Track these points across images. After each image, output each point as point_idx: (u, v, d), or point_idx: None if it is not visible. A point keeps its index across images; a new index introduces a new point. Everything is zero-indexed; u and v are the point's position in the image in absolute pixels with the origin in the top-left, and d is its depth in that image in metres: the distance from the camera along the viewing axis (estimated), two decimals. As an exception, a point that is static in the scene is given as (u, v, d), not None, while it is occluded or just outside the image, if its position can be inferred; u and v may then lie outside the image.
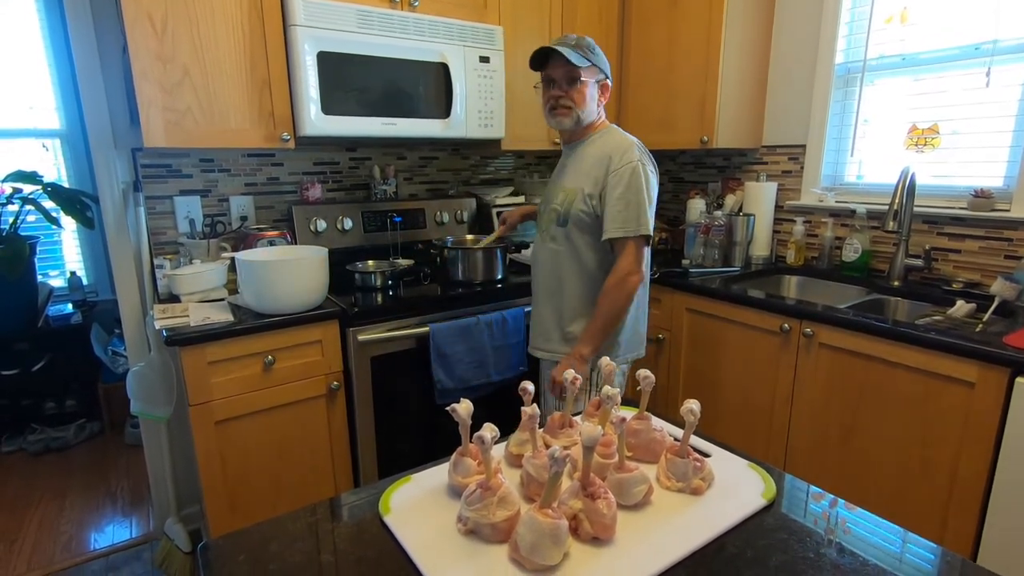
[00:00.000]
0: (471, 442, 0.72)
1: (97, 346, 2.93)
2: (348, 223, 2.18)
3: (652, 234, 1.48)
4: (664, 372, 2.18)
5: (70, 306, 3.05)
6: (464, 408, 0.71)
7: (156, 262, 1.83)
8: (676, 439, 0.84)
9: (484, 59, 2.11)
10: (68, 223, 3.06)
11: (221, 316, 1.61)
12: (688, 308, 2.05)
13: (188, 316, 1.60)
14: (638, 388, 0.83)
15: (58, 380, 2.91)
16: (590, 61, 1.49)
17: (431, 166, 2.52)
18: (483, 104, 2.13)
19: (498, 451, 0.89)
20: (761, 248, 2.34)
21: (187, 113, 1.67)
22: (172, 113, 1.64)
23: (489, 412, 2.09)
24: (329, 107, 1.82)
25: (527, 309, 1.98)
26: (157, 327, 1.52)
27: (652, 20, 2.39)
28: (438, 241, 2.12)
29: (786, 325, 1.72)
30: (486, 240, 2.02)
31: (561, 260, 1.59)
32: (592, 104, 1.54)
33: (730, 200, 2.43)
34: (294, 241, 2.03)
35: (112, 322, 3.19)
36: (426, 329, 1.79)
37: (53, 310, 3.00)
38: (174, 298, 1.79)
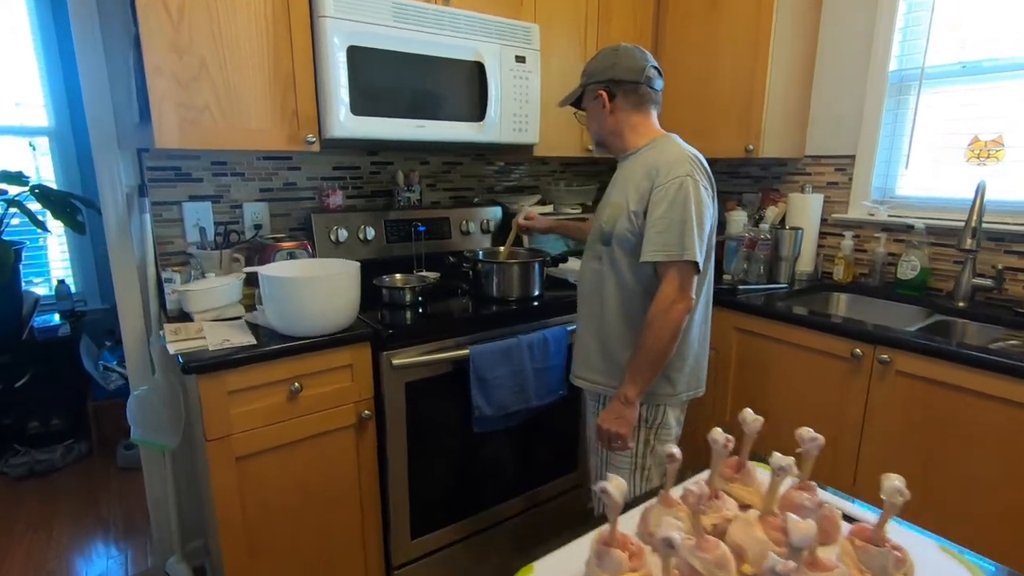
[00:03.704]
0: (618, 531, 0.56)
1: (87, 360, 2.72)
2: (371, 232, 2.01)
3: (699, 260, 1.29)
4: (708, 395, 2.04)
5: (57, 317, 2.83)
6: (616, 488, 0.56)
7: (164, 275, 1.65)
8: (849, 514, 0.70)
9: (520, 59, 1.96)
10: (53, 227, 2.85)
11: (241, 338, 1.44)
12: (738, 328, 1.92)
13: (205, 338, 1.43)
14: (798, 450, 0.69)
15: (43, 397, 2.69)
16: (582, 86, 1.46)
17: (454, 172, 2.37)
18: (518, 107, 1.99)
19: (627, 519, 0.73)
20: (805, 263, 2.21)
21: (204, 111, 1.50)
22: (188, 110, 1.47)
23: (524, 440, 1.94)
24: (358, 107, 1.66)
25: (570, 328, 1.83)
26: (172, 352, 1.34)
27: (689, 21, 2.26)
28: (469, 253, 1.96)
29: (858, 350, 1.59)
30: (505, 248, 1.89)
31: (604, 281, 1.43)
32: (600, 120, 1.45)
33: (771, 212, 2.31)
34: (314, 252, 1.86)
35: (103, 334, 2.98)
36: (466, 352, 1.63)
37: (39, 321, 2.78)
38: (184, 316, 1.62)
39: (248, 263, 1.79)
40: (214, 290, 1.58)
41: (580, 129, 2.27)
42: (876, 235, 2.10)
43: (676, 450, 0.65)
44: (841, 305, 2.12)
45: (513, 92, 1.96)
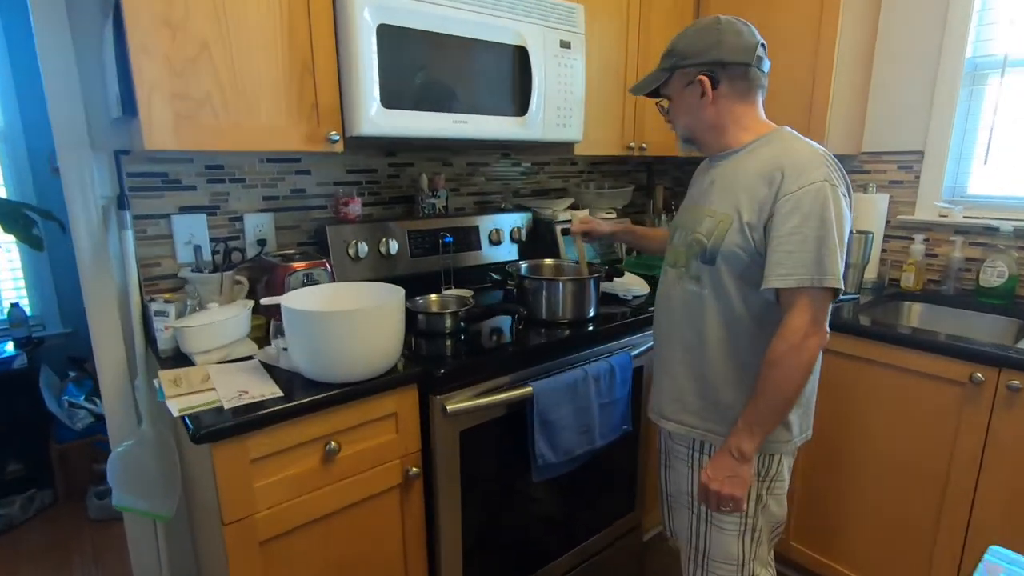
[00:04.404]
0: None
1: (48, 396, 2.36)
2: (394, 246, 1.73)
3: (841, 286, 1.06)
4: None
5: (11, 346, 2.45)
6: None
7: (154, 307, 1.34)
8: None
9: (565, 44, 1.71)
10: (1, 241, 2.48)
11: (261, 387, 1.15)
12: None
13: (214, 390, 1.13)
14: None
15: (-3, 440, 2.31)
16: (668, 69, 1.19)
17: (479, 174, 2.10)
18: (562, 99, 1.73)
19: None
20: (869, 270, 2.02)
21: (204, 103, 1.20)
22: (184, 102, 1.17)
23: (579, 484, 1.69)
24: (389, 99, 1.38)
25: (633, 353, 1.59)
26: (175, 412, 1.04)
27: (737, 4, 2.04)
28: (511, 268, 1.70)
29: (979, 374, 1.39)
30: (581, 264, 1.64)
31: (704, 307, 1.18)
32: (695, 112, 1.18)
33: (828, 214, 2.11)
34: (333, 272, 1.57)
35: (65, 363, 2.61)
36: (528, 390, 1.36)
37: (-11, 352, 2.40)
38: (182, 356, 1.31)
39: (253, 287, 1.50)
40: (219, 324, 1.28)
41: (620, 124, 2.04)
42: (950, 239, 1.91)
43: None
44: (914, 316, 1.93)
45: (557, 82, 1.71)
